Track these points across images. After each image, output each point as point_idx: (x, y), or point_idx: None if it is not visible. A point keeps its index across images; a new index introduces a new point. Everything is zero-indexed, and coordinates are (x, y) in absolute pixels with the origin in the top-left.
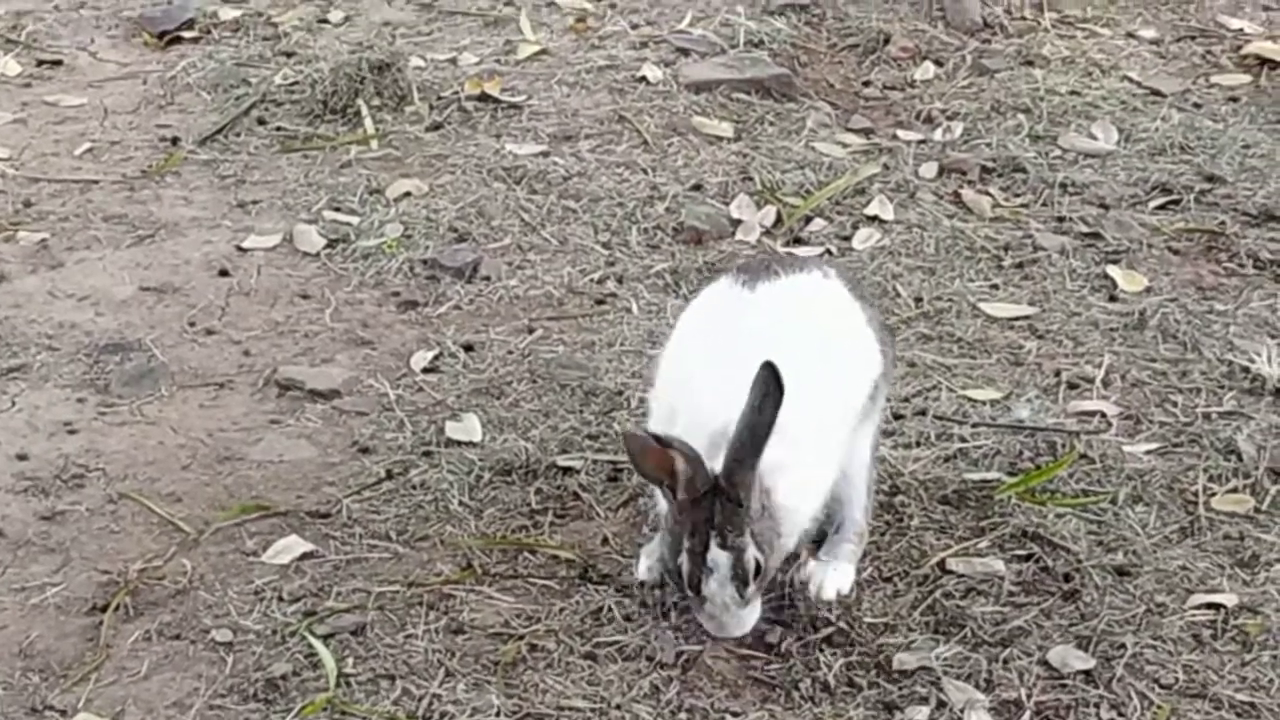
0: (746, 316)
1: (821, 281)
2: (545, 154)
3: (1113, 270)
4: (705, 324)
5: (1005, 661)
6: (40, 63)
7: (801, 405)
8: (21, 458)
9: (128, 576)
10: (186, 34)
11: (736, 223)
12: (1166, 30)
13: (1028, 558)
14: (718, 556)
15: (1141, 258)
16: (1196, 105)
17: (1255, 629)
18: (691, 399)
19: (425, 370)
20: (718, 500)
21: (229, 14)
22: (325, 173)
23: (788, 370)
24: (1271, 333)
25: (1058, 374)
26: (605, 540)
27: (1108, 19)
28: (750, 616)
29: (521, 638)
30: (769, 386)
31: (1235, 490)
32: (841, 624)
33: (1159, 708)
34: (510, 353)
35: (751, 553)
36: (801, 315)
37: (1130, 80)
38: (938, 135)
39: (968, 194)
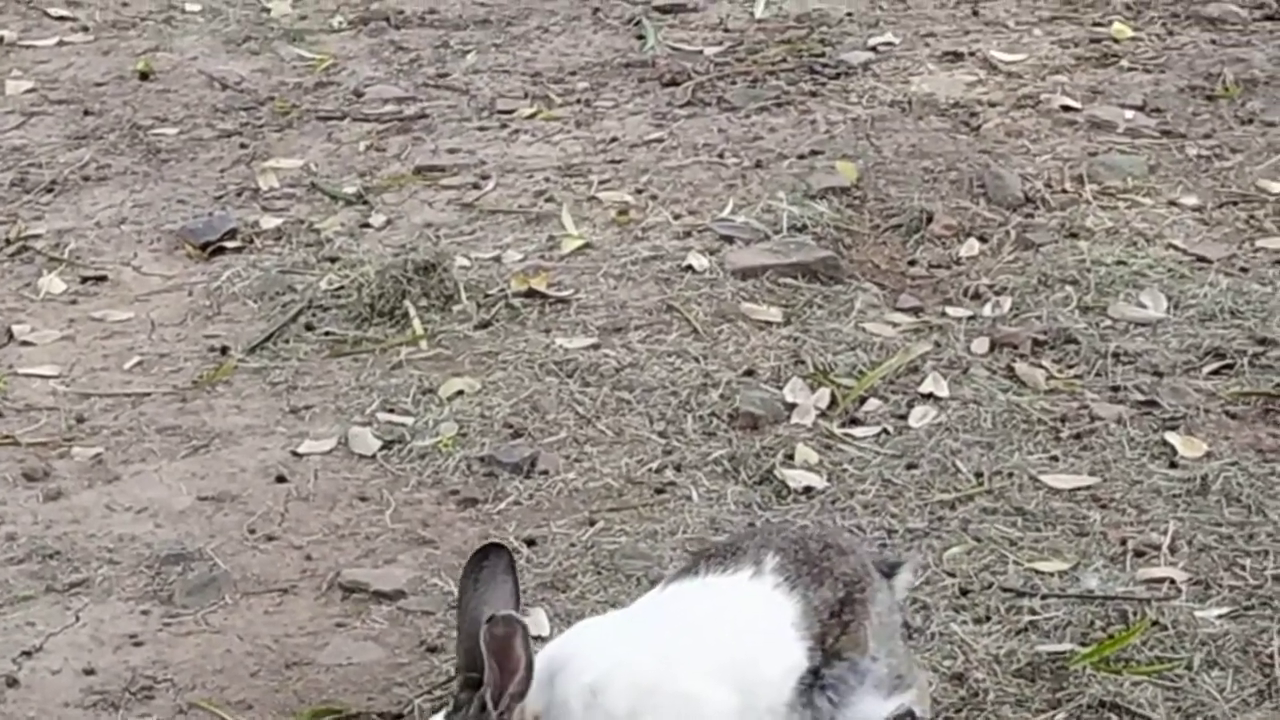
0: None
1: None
2: (596, 346)
3: (1171, 437)
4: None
5: None
6: (84, 279)
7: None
8: (89, 672)
9: None
10: (229, 244)
11: (791, 406)
12: (1208, 197)
13: None
14: None
15: (1199, 423)
16: (1243, 269)
17: None
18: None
19: None
20: None
21: (270, 222)
22: (376, 375)
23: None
24: None
25: (1124, 542)
26: None
27: (1149, 188)
28: None
29: None
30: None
31: None
32: None
33: None
34: (573, 545)
35: None
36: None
37: (1175, 248)
38: (987, 310)
39: (1021, 367)
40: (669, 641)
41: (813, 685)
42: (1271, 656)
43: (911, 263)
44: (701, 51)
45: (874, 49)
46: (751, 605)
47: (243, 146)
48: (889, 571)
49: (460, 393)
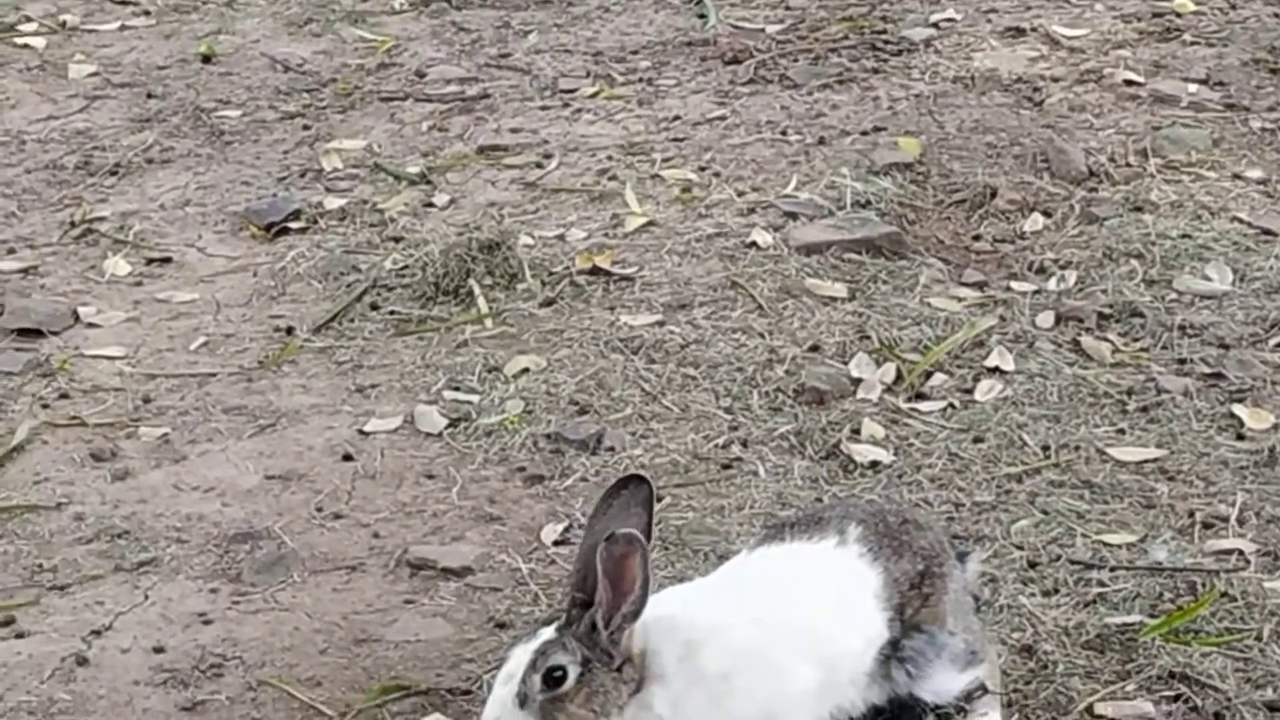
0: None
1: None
2: (661, 323)
3: (1238, 409)
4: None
5: None
6: (149, 261)
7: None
8: (158, 650)
9: None
10: (293, 225)
11: (857, 381)
12: (1272, 170)
13: (1176, 698)
14: (544, 631)
15: (1266, 395)
16: None
17: None
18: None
19: (556, 543)
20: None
21: (334, 203)
22: (442, 353)
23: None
24: None
25: (1192, 514)
26: None
27: (1213, 162)
28: None
29: None
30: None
31: None
32: None
33: None
34: None
35: (562, 662)
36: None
37: (1240, 220)
38: (1052, 285)
39: (1087, 341)
40: (761, 609)
41: (891, 657)
42: None
43: (976, 238)
44: (763, 29)
45: (936, 25)
46: (836, 574)
47: (305, 128)
48: (959, 559)
49: (526, 370)
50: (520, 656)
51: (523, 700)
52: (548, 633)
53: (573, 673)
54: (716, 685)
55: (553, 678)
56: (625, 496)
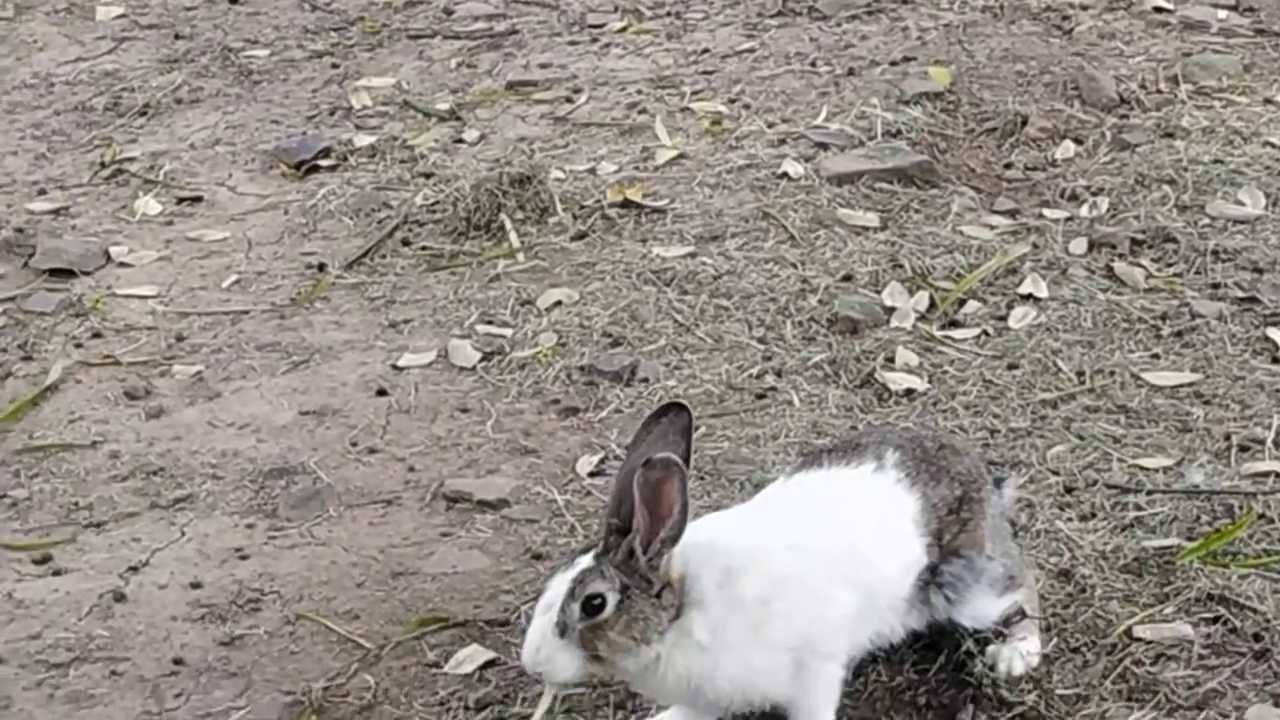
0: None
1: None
2: (693, 255)
3: (1273, 332)
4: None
5: None
6: (180, 200)
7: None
8: (195, 586)
9: (312, 696)
10: (323, 162)
11: (890, 310)
12: None
13: (1215, 620)
14: (582, 560)
15: None
16: None
17: None
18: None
19: (591, 475)
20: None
21: (364, 140)
22: (474, 288)
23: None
24: None
25: (1228, 438)
26: None
27: (1244, 87)
28: (562, 661)
29: None
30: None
31: None
32: (1033, 698)
33: None
34: None
35: (601, 589)
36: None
37: (1272, 145)
38: (1084, 211)
39: (1120, 267)
40: (800, 534)
41: (929, 583)
42: None
43: (1007, 166)
44: None
45: None
46: (874, 499)
47: (334, 66)
48: (995, 485)
49: (558, 303)
50: (558, 586)
51: (562, 629)
52: (585, 561)
53: (611, 600)
54: (755, 611)
55: (592, 605)
56: (664, 424)
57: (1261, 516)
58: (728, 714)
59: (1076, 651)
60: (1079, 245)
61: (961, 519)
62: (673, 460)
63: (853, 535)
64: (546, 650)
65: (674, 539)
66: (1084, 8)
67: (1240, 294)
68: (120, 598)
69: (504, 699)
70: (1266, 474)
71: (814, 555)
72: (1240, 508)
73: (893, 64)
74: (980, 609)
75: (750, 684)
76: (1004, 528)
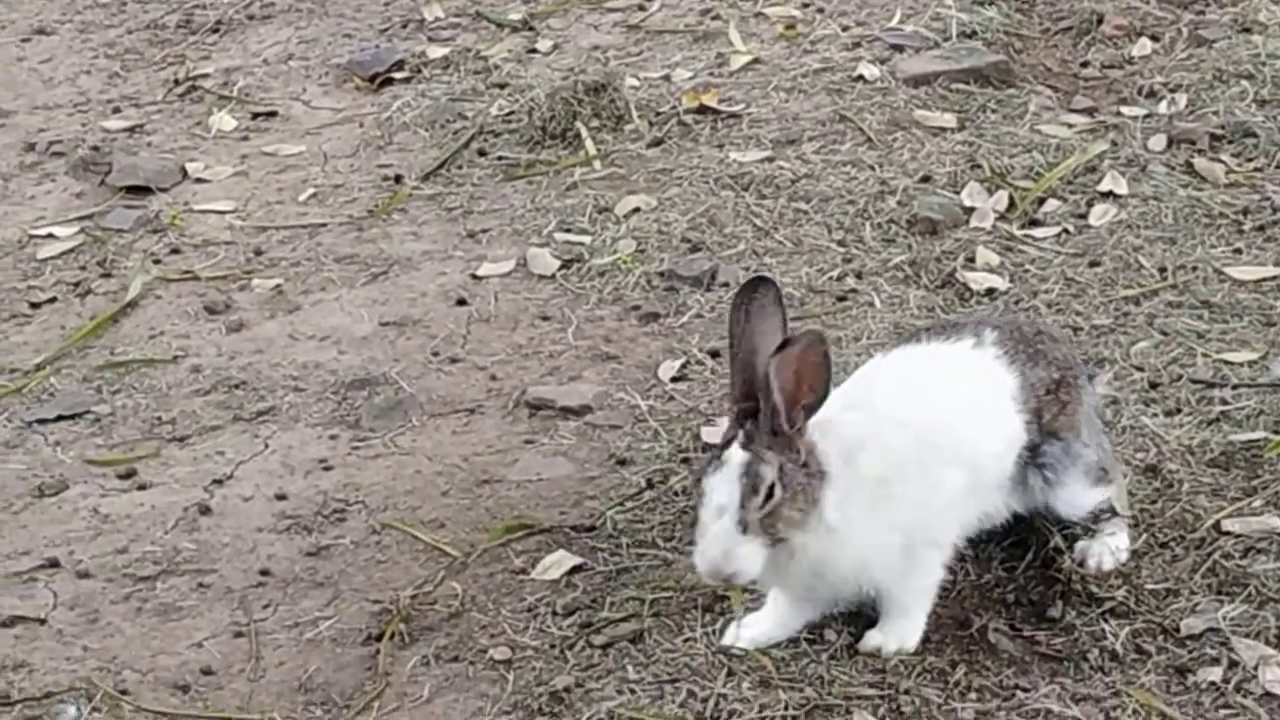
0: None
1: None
2: (770, 159)
3: None
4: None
5: None
6: (255, 115)
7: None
8: (281, 497)
9: (399, 604)
10: (397, 75)
11: (969, 210)
12: None
13: None
14: (734, 454)
15: None
16: None
17: None
18: None
19: (674, 379)
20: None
21: (437, 52)
22: (551, 196)
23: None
24: None
25: None
26: None
27: None
28: (751, 557)
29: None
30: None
31: None
32: (1122, 593)
33: None
34: None
35: (770, 478)
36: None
37: None
38: (1163, 108)
39: (1200, 163)
40: (908, 410)
41: (1030, 462)
42: None
43: (1084, 64)
44: None
45: None
46: (974, 374)
47: None
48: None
49: (637, 210)
50: (721, 487)
51: (745, 526)
52: (737, 454)
53: (778, 480)
54: (875, 489)
55: (770, 493)
56: (759, 300)
57: None
58: (829, 608)
59: (1165, 546)
60: (1158, 142)
61: (1060, 400)
62: (820, 334)
63: (957, 411)
64: (736, 550)
65: (816, 405)
66: None
67: None
68: (206, 510)
69: (591, 604)
70: None
71: (925, 434)
72: None
73: None
74: (1075, 496)
75: (866, 566)
76: (1096, 421)
